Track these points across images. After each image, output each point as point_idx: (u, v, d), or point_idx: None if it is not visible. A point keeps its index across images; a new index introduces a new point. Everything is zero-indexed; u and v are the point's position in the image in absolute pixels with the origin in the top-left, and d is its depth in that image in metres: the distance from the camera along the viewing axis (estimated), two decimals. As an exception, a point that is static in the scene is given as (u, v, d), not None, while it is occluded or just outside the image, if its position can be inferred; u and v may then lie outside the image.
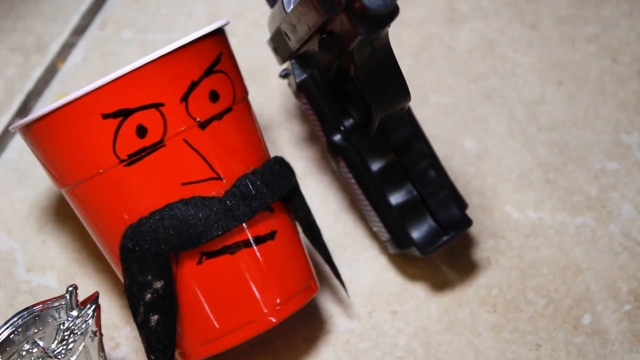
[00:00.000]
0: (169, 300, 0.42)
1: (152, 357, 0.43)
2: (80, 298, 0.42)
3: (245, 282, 0.43)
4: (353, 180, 0.49)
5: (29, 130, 0.44)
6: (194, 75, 0.43)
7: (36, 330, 0.42)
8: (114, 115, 0.42)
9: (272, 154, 0.47)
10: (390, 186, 0.48)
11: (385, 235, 0.49)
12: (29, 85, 0.59)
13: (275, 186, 0.44)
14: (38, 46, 0.61)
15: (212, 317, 0.43)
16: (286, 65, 0.51)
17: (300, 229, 0.47)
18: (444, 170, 0.49)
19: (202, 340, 0.44)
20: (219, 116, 0.44)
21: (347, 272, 0.52)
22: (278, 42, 0.49)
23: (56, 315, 0.42)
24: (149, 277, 0.42)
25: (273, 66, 0.55)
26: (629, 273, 0.51)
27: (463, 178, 0.55)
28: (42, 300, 0.42)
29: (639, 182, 0.54)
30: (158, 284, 0.42)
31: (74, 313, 0.42)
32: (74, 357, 0.42)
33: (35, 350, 0.42)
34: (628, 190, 0.54)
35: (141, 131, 0.42)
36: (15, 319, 0.41)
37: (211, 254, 0.43)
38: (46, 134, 0.43)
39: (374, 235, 0.53)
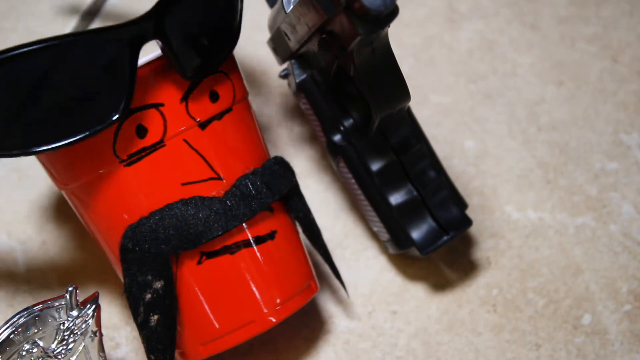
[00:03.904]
0: (169, 300, 0.42)
1: (152, 357, 0.43)
2: (80, 298, 0.42)
3: (245, 282, 0.43)
4: (353, 180, 0.49)
5: (29, 131, 0.44)
6: (193, 75, 0.43)
7: (36, 330, 0.42)
8: (113, 115, 0.42)
9: (272, 154, 0.47)
10: (390, 186, 0.48)
11: (385, 235, 0.50)
12: (29, 85, 0.59)
13: (275, 186, 0.44)
14: (38, 46, 0.61)
15: (212, 317, 0.43)
16: (286, 65, 0.51)
17: (300, 229, 0.47)
18: (444, 170, 0.49)
19: (202, 340, 0.44)
20: (219, 116, 0.44)
21: (347, 272, 0.52)
22: (278, 42, 0.49)
23: (56, 315, 0.42)
24: (149, 277, 0.42)
25: (273, 66, 0.55)
26: (629, 273, 0.51)
27: (463, 178, 0.55)
28: (42, 300, 0.42)
29: (639, 182, 0.54)
30: (158, 284, 0.42)
31: (74, 313, 0.42)
32: (74, 357, 0.42)
33: (35, 350, 0.42)
34: (628, 190, 0.54)
35: (141, 131, 0.42)
36: (15, 319, 0.41)
37: (211, 254, 0.43)
38: (46, 134, 0.43)
39: (374, 235, 0.53)
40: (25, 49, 0.37)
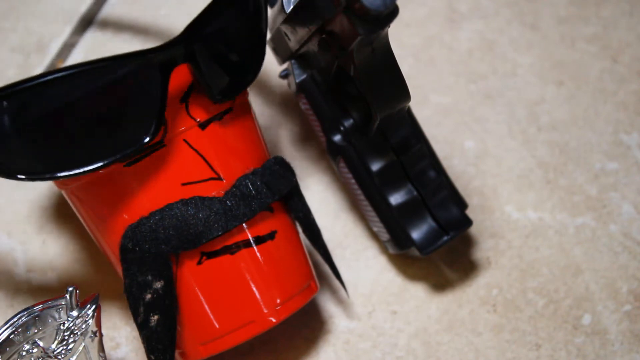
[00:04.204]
0: (169, 300, 0.42)
1: (152, 357, 0.43)
2: (80, 298, 0.42)
3: (245, 282, 0.43)
4: (353, 181, 0.49)
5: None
6: (194, 75, 0.43)
7: (36, 331, 0.42)
8: (114, 115, 0.42)
9: (272, 154, 0.47)
10: (390, 186, 0.48)
11: (385, 236, 0.50)
12: (29, 85, 0.59)
13: (275, 186, 0.44)
14: (38, 46, 0.61)
15: (212, 317, 0.43)
16: (286, 65, 0.51)
17: (300, 229, 0.47)
18: (444, 170, 0.49)
19: (202, 340, 0.44)
20: (219, 116, 0.44)
21: (347, 272, 0.52)
22: (278, 42, 0.49)
23: (56, 316, 0.42)
24: (149, 277, 0.42)
25: (273, 66, 0.55)
26: (629, 273, 0.51)
27: (463, 178, 0.55)
28: (42, 300, 0.42)
29: (639, 182, 0.54)
30: (158, 284, 0.42)
31: (74, 313, 0.42)
32: (74, 357, 0.42)
33: (35, 350, 0.42)
34: (628, 190, 0.54)
35: (141, 131, 0.42)
36: (15, 319, 0.41)
37: (211, 254, 0.43)
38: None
39: (374, 235, 0.53)
40: (56, 75, 0.37)
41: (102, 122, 0.39)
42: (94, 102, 0.39)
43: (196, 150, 0.43)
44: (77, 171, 0.39)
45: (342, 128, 0.48)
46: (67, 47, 0.61)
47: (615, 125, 0.56)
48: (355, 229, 0.53)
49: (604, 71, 0.59)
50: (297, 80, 0.49)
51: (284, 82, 0.58)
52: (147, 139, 0.40)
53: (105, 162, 0.40)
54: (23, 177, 0.39)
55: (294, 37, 0.46)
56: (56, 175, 0.39)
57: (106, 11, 0.62)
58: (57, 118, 0.38)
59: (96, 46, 0.61)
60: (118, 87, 0.39)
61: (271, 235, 0.44)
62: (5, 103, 0.37)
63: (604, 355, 0.49)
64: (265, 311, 0.44)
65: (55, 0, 0.63)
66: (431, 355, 0.49)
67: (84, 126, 0.39)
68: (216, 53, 0.42)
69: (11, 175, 0.39)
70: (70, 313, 0.42)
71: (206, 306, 0.43)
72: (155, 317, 0.42)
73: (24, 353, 0.41)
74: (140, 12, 0.62)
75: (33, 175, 0.39)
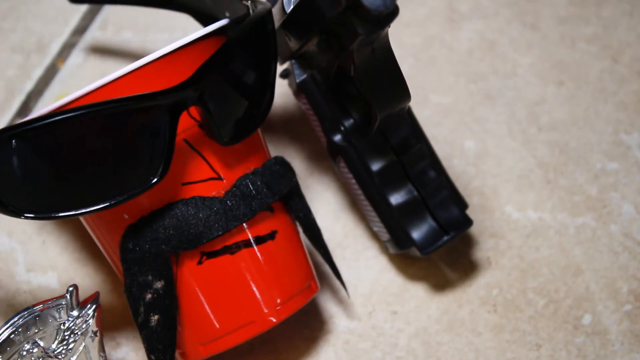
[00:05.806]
0: (169, 300, 0.42)
1: (153, 357, 0.43)
2: (81, 298, 0.42)
3: (246, 282, 0.43)
4: (353, 181, 0.49)
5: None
6: (194, 75, 0.43)
7: (36, 330, 0.42)
8: (114, 115, 0.41)
9: (272, 154, 0.47)
10: (391, 186, 0.48)
11: (385, 236, 0.50)
12: (29, 85, 0.59)
13: (276, 186, 0.44)
14: (38, 46, 0.61)
15: (212, 317, 0.43)
16: (286, 65, 0.51)
17: (300, 229, 0.47)
18: (444, 170, 0.49)
19: (203, 340, 0.44)
20: (219, 116, 0.44)
21: (347, 272, 0.52)
22: (278, 42, 0.49)
23: (56, 315, 0.42)
24: (149, 277, 0.42)
25: (273, 66, 0.55)
26: (629, 273, 0.51)
27: (463, 178, 0.55)
28: (42, 300, 0.42)
29: (639, 182, 0.54)
30: (158, 284, 0.42)
31: (75, 313, 0.42)
32: (75, 357, 0.42)
33: (35, 350, 0.42)
34: (628, 190, 0.54)
35: (141, 131, 0.42)
36: (15, 319, 0.41)
37: (211, 254, 0.43)
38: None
39: (374, 235, 0.53)
40: (65, 116, 0.37)
41: (109, 162, 0.39)
42: (102, 143, 0.38)
43: (196, 150, 0.43)
44: (83, 211, 0.39)
45: (342, 128, 0.48)
46: (67, 47, 0.61)
47: (616, 125, 0.57)
48: (356, 229, 0.53)
49: (604, 71, 0.59)
50: (297, 80, 0.49)
51: (284, 82, 0.58)
52: (155, 180, 0.40)
53: (112, 202, 0.40)
54: (31, 216, 0.39)
55: (294, 37, 0.46)
56: (63, 214, 0.39)
57: (106, 11, 0.62)
58: (65, 158, 0.38)
59: (96, 46, 0.61)
60: (127, 128, 0.39)
61: (271, 235, 0.44)
62: (14, 142, 0.37)
63: (604, 355, 0.49)
64: (266, 311, 0.44)
65: (55, 0, 0.63)
66: (431, 355, 0.49)
67: (91, 166, 0.39)
68: (226, 96, 0.41)
69: (19, 214, 0.39)
70: (71, 313, 0.42)
71: (206, 306, 0.43)
72: (156, 317, 0.42)
73: (25, 353, 0.41)
74: (141, 12, 0.62)
75: (40, 214, 0.39)
